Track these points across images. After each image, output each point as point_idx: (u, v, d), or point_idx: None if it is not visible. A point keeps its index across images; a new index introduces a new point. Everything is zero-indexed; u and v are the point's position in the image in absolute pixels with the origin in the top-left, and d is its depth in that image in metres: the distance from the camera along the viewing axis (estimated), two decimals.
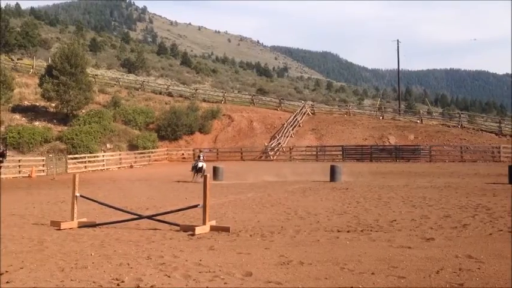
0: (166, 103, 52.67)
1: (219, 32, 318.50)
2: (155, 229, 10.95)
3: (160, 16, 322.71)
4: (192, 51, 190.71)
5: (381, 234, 10.11)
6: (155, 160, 42.52)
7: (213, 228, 10.68)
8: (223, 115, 50.09)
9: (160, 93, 57.89)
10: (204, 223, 10.66)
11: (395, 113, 54.00)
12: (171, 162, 43.18)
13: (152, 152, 43.04)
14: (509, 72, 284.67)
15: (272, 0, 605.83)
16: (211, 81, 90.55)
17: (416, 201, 15.26)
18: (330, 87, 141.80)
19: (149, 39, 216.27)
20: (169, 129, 45.85)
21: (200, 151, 28.45)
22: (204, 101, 55.19)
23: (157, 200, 17.23)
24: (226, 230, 10.62)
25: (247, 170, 27.92)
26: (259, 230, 10.73)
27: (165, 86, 61.56)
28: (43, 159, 34.14)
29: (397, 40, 62.37)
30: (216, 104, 52.59)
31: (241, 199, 16.86)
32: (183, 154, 45.21)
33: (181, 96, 57.46)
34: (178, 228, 10.89)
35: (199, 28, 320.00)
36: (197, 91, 59.49)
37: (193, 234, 10.23)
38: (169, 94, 57.72)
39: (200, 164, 25.45)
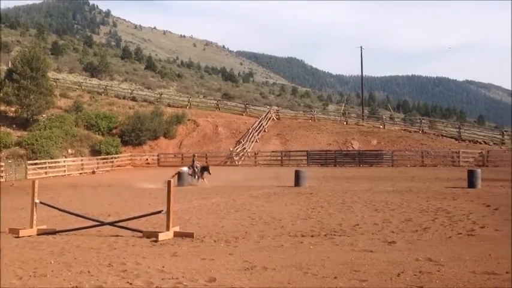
0: (130, 108, 52.03)
1: (184, 36, 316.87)
2: (117, 236, 10.77)
3: (124, 20, 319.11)
4: (156, 55, 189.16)
5: (344, 239, 10.22)
6: (118, 166, 41.93)
7: (176, 234, 10.59)
8: (189, 120, 49.79)
9: (124, 98, 57.17)
10: (167, 229, 10.55)
11: (359, 119, 54.77)
12: (135, 167, 42.66)
13: (115, 158, 42.42)
14: (469, 79, 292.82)
15: (238, 5, 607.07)
16: (177, 86, 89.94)
17: (379, 206, 15.49)
18: (295, 93, 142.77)
19: (113, 43, 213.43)
20: (133, 134, 45.30)
21: (194, 155, 28.58)
22: (169, 105, 54.78)
23: (120, 206, 16.97)
24: (190, 235, 10.54)
25: (212, 175, 27.77)
26: (223, 236, 10.69)
27: (129, 91, 60.79)
28: (2, 165, 33.19)
29: (361, 47, 63.38)
30: (181, 109, 52.25)
31: (205, 204, 16.78)
32: (147, 159, 44.74)
33: (145, 101, 56.87)
34: (141, 234, 10.75)
35: (164, 32, 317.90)
36: (162, 96, 59.01)
37: (156, 241, 10.11)
38: (134, 99, 57.05)
39: (185, 169, 26.24)
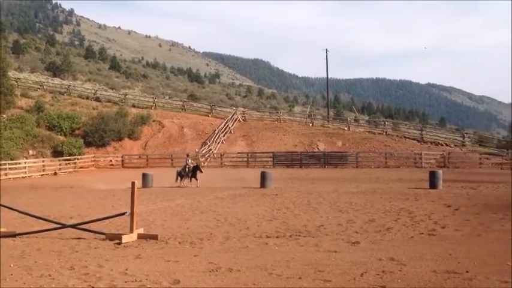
0: (93, 108, 51.16)
1: (149, 36, 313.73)
2: (79, 238, 10.58)
3: (88, 19, 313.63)
4: (121, 55, 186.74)
5: (309, 239, 10.28)
6: (81, 167, 41.17)
7: (140, 236, 10.46)
8: (154, 121, 49.30)
9: (87, 98, 56.16)
10: (131, 231, 10.42)
11: (325, 120, 55.26)
12: (99, 169, 41.95)
13: (78, 159, 41.63)
14: (431, 82, 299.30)
15: (204, 6, 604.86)
16: (142, 86, 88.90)
17: (343, 206, 15.66)
18: (261, 94, 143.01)
19: (76, 43, 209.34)
20: (97, 135, 44.55)
21: (187, 155, 28.08)
22: (134, 106, 54.09)
23: (82, 208, 16.67)
24: (154, 237, 10.43)
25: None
26: (188, 237, 10.62)
27: (93, 91, 59.74)
28: None
29: (326, 49, 64.07)
30: (146, 110, 51.68)
31: (170, 206, 16.64)
32: (111, 161, 44.07)
33: (109, 101, 56.00)
34: (104, 237, 10.59)
35: (129, 32, 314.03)
36: (126, 96, 58.19)
37: (119, 243, 9.97)
38: (97, 99, 56.10)
39: (179, 169, 26.04)
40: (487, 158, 39.88)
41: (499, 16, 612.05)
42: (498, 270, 7.36)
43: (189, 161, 26.49)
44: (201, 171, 25.65)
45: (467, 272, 7.24)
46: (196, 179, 25.19)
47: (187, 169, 25.79)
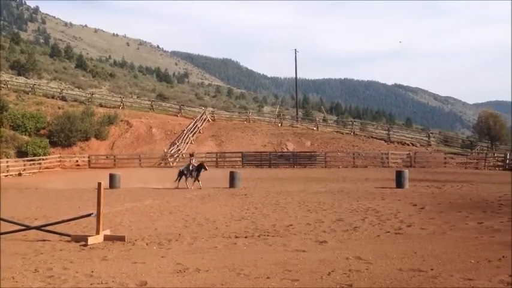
0: (59, 107, 50.20)
1: (117, 35, 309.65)
2: (44, 240, 10.36)
3: (54, 17, 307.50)
4: (88, 54, 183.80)
5: (278, 239, 10.31)
6: (46, 168, 40.36)
7: (107, 238, 10.31)
8: (121, 121, 48.68)
9: (53, 97, 55.06)
10: (97, 232, 10.27)
11: (294, 120, 55.55)
12: (65, 169, 41.21)
13: (43, 159, 40.80)
14: (398, 83, 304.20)
15: (173, 5, 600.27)
16: (109, 85, 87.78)
17: (312, 206, 15.76)
18: (231, 94, 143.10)
19: (41, 41, 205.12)
20: (63, 135, 43.74)
21: (191, 155, 27.06)
22: (101, 106, 53.33)
23: (47, 209, 16.33)
24: (121, 239, 10.29)
25: (146, 177, 27.32)
26: (156, 238, 10.52)
27: (59, 90, 58.58)
28: None
29: (295, 49, 64.39)
30: (113, 110, 50.99)
31: (138, 207, 16.46)
32: (77, 161, 43.33)
33: (76, 100, 55.03)
34: (69, 238, 10.40)
35: (96, 30, 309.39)
36: (93, 96, 57.33)
37: (85, 245, 9.82)
38: (63, 98, 55.04)
39: (181, 168, 24.82)
40: (452, 158, 40.73)
41: (464, 19, 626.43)
42: (462, 267, 7.52)
43: (193, 160, 25.17)
44: (206, 169, 24.70)
45: (431, 269, 7.38)
46: (198, 181, 24.08)
47: (191, 168, 24.49)
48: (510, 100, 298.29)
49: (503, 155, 38.66)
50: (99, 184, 10.52)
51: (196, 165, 24.64)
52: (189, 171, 24.36)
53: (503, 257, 8.09)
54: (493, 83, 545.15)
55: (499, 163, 37.54)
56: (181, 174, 24.54)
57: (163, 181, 25.47)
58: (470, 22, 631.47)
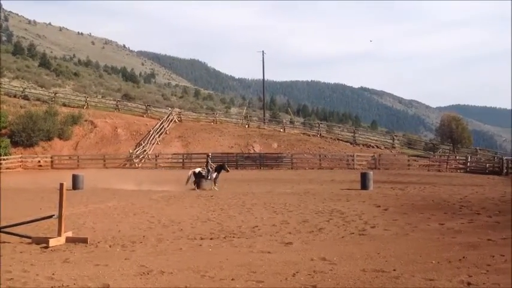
0: (21, 107, 48.92)
1: (82, 33, 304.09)
2: (4, 242, 10.10)
3: (17, 14, 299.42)
4: (52, 52, 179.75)
5: (243, 241, 10.31)
6: (7, 168, 39.29)
7: (69, 240, 10.12)
8: (86, 121, 47.82)
9: (15, 96, 53.58)
10: (59, 234, 10.07)
11: (261, 122, 55.67)
12: (26, 170, 40.22)
13: (4, 159, 39.71)
14: (364, 86, 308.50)
15: (139, 4, 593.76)
16: (73, 85, 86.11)
17: (278, 207, 15.81)
18: (198, 95, 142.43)
19: (4, 38, 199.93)
20: (24, 135, 42.70)
21: (208, 155, 26.08)
22: (65, 105, 52.21)
23: (8, 210, 15.85)
24: (83, 241, 10.12)
25: (110, 177, 26.96)
26: (119, 240, 10.38)
27: (21, 89, 57.11)
28: None
29: (262, 51, 64.31)
30: (77, 109, 50.01)
31: (101, 208, 16.20)
32: (39, 161, 42.34)
33: (38, 100, 53.73)
34: (30, 240, 10.16)
35: (61, 29, 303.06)
36: (57, 95, 56.12)
37: (46, 247, 9.62)
38: (26, 97, 53.69)
39: (197, 170, 23.68)
40: (415, 160, 41.49)
41: (427, 23, 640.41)
42: (423, 268, 7.66)
43: (210, 161, 24.46)
44: (228, 171, 24.34)
45: (394, 270, 7.49)
46: (215, 181, 23.44)
47: (210, 169, 23.70)
48: (471, 104, 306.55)
49: (464, 158, 39.62)
50: (61, 185, 10.32)
51: (213, 166, 24.01)
52: (209, 173, 23.58)
53: (464, 257, 8.28)
54: (455, 87, 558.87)
55: (461, 166, 38.42)
56: (197, 176, 23.57)
57: (128, 182, 25.17)
58: (433, 27, 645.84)
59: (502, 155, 44.00)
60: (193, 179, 23.52)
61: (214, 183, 23.43)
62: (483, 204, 15.89)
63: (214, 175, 23.52)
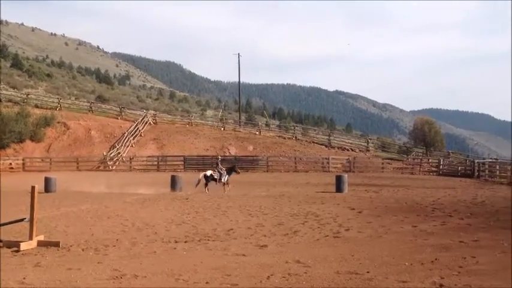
0: None
1: (55, 34, 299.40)
2: None
3: None
4: (24, 53, 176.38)
5: (218, 243, 10.27)
6: None
7: (40, 244, 9.94)
8: (58, 123, 47.09)
9: None
10: (30, 238, 9.89)
11: (236, 125, 55.67)
12: None
13: None
14: (339, 89, 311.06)
15: (113, 5, 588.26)
16: (46, 86, 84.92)
17: (253, 210, 15.81)
18: (173, 97, 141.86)
19: None
20: None
21: (218, 157, 25.55)
22: (37, 107, 51.31)
23: None
24: (55, 244, 9.96)
25: (83, 180, 26.60)
26: (92, 244, 10.23)
27: None
28: None
29: (238, 54, 64.29)
30: (50, 111, 49.20)
31: (74, 211, 15.96)
32: (10, 164, 41.53)
33: (10, 101, 52.65)
34: (0, 244, 9.96)
35: (33, 29, 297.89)
36: (29, 96, 55.20)
37: (17, 251, 9.44)
38: None
39: (208, 173, 23.16)
40: (389, 163, 41.97)
41: (400, 28, 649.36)
42: (396, 270, 7.74)
43: (220, 163, 24.13)
44: (238, 172, 24.26)
45: (368, 272, 7.55)
46: (228, 185, 23.15)
47: (221, 171, 23.34)
48: (444, 108, 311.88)
49: (437, 161, 40.24)
50: (33, 188, 10.14)
51: (224, 169, 23.71)
52: (221, 175, 23.23)
53: (436, 259, 8.40)
54: (428, 91, 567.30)
55: (433, 168, 39.02)
56: (208, 178, 23.15)
57: (102, 185, 24.89)
58: (405, 32, 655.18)
59: (473, 158, 44.80)
60: (204, 181, 23.18)
61: (227, 185, 23.25)
62: (455, 207, 16.16)
63: (226, 177, 23.30)
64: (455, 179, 32.76)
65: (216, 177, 23.24)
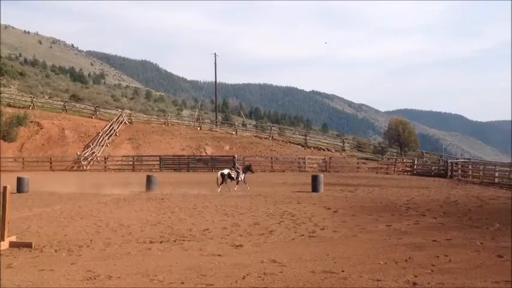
0: None
1: (28, 32, 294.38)
2: None
3: None
4: None
5: (193, 244, 10.23)
6: None
7: (12, 245, 9.78)
8: (31, 122, 46.33)
9: None
10: (2, 239, 9.70)
11: (213, 124, 55.55)
12: None
13: None
14: (315, 90, 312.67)
15: (88, 3, 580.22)
16: (18, 84, 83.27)
17: (229, 210, 15.79)
18: (149, 97, 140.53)
19: None
20: None
21: (234, 157, 25.48)
22: (9, 106, 50.38)
23: None
24: (28, 245, 9.80)
25: (57, 180, 26.21)
26: (65, 245, 10.09)
27: None
28: None
29: (215, 53, 64.07)
30: (23, 110, 48.39)
31: (47, 212, 15.72)
32: None
33: None
34: None
35: (6, 27, 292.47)
36: (1, 95, 54.16)
37: None
38: None
39: (226, 172, 23.23)
40: (364, 163, 42.34)
41: (376, 30, 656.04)
42: (371, 269, 7.82)
43: (236, 163, 24.42)
44: (253, 172, 24.59)
45: (342, 271, 7.62)
46: (245, 183, 23.48)
47: (238, 170, 23.69)
48: (418, 108, 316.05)
49: (411, 161, 40.76)
50: (5, 188, 9.95)
51: (242, 166, 24.30)
52: (238, 174, 23.51)
53: (410, 258, 8.51)
54: (402, 92, 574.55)
55: (408, 168, 39.49)
56: (225, 177, 23.22)
57: (76, 185, 24.56)
58: (380, 33, 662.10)
59: (447, 158, 45.48)
60: (221, 180, 23.26)
61: (245, 183, 23.56)
62: (428, 206, 16.41)
63: (243, 176, 23.62)
64: (429, 178, 33.22)
65: (233, 175, 23.54)
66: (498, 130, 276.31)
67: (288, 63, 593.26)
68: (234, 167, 24.43)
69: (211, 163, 41.21)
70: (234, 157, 26.19)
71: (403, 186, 26.50)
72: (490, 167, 33.54)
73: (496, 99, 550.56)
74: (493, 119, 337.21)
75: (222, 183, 23.07)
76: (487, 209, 16.03)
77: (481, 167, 34.37)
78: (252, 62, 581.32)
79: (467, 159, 55.38)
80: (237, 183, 23.47)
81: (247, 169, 24.34)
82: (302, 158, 41.81)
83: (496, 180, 29.53)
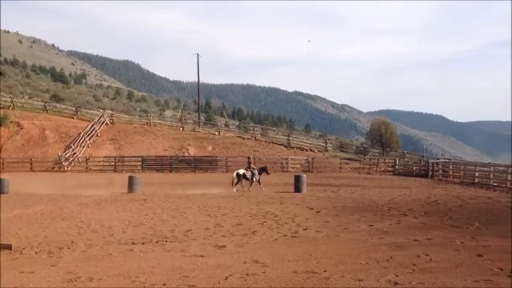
0: None
1: (8, 31, 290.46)
2: None
3: None
4: None
5: (176, 245, 10.19)
6: None
7: None
8: (11, 122, 45.66)
9: None
10: None
11: (195, 125, 55.34)
12: None
13: None
14: (298, 90, 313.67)
15: (69, 3, 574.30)
16: None
17: (212, 211, 15.76)
18: (131, 97, 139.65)
19: None
20: None
21: (249, 157, 25.50)
22: None
23: None
24: (7, 247, 9.68)
25: (37, 181, 25.92)
26: (46, 246, 9.99)
27: None
28: None
29: (197, 54, 63.80)
30: (2, 110, 47.66)
31: (27, 213, 15.52)
32: None
33: None
34: None
35: None
36: None
37: None
38: None
39: (241, 172, 23.81)
40: (347, 163, 42.56)
41: (359, 31, 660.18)
42: (353, 268, 7.87)
43: (252, 164, 24.96)
44: (268, 173, 24.93)
45: (325, 271, 7.65)
46: (260, 183, 23.93)
47: (253, 170, 24.12)
48: (400, 109, 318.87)
49: (393, 161, 41.09)
50: None
51: (258, 167, 24.82)
52: (253, 174, 23.98)
53: (391, 257, 8.57)
54: (384, 92, 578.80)
55: (389, 168, 39.79)
56: (241, 177, 23.79)
57: (57, 186, 24.30)
58: (362, 34, 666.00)
59: (428, 158, 45.91)
60: (236, 180, 23.70)
61: (260, 184, 24.04)
62: (410, 206, 16.55)
63: (258, 176, 24.14)
64: (410, 178, 33.49)
65: (248, 176, 24.06)
66: (478, 131, 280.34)
67: (271, 64, 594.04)
68: (249, 167, 24.95)
69: (194, 163, 41.11)
70: (249, 158, 26.69)
71: (385, 186, 26.71)
72: (470, 167, 33.91)
73: (477, 100, 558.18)
74: (473, 119, 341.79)
75: (237, 183, 23.72)
76: (467, 208, 16.22)
77: (462, 167, 34.73)
78: (235, 62, 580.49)
79: (448, 159, 55.96)
80: (251, 184, 24.02)
81: (263, 170, 24.95)
82: (285, 159, 41.85)
83: (476, 180, 29.87)
